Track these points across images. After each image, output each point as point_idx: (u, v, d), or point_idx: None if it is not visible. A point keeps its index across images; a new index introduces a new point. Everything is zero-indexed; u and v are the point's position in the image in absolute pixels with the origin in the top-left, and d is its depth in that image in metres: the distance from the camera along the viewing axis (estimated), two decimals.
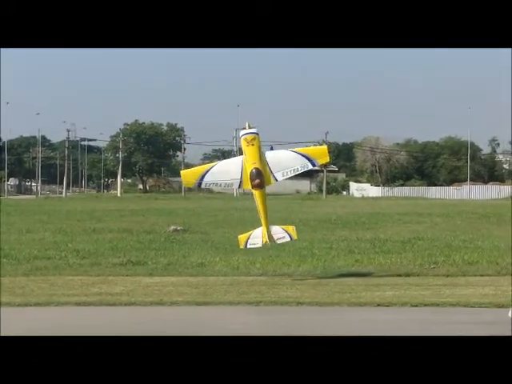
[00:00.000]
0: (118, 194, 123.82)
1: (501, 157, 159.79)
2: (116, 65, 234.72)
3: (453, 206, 63.94)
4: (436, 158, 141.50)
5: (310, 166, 19.51)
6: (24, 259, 22.65)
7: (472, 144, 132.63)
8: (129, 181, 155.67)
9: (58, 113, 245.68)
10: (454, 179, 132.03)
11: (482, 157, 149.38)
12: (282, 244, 26.24)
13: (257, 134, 18.90)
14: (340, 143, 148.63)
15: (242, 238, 19.66)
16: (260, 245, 19.32)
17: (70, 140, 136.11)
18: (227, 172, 19.09)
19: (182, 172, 21.45)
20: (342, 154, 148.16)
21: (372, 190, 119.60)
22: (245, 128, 19.13)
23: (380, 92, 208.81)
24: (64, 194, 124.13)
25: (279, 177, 19.23)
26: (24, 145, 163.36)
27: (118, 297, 16.26)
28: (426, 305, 15.23)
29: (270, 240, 19.12)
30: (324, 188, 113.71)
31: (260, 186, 18.81)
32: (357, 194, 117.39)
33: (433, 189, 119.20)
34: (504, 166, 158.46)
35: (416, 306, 15.13)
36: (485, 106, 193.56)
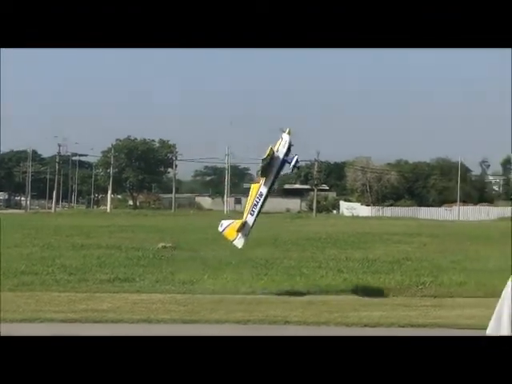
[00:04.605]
0: (108, 210, 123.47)
1: (491, 178, 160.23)
2: (109, 79, 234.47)
3: (442, 227, 63.98)
4: (426, 179, 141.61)
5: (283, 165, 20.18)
6: (11, 274, 22.53)
7: (462, 165, 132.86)
8: (119, 197, 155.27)
9: (51, 127, 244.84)
10: (445, 200, 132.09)
11: (473, 178, 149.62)
12: (271, 262, 26.26)
13: (282, 138, 19.71)
14: (331, 162, 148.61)
15: (230, 232, 19.83)
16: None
17: (61, 155, 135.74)
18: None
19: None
20: (333, 173, 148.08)
21: (362, 210, 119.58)
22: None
23: (372, 112, 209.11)
24: (53, 209, 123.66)
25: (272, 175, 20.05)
26: (15, 159, 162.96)
27: (104, 314, 16.18)
28: (412, 326, 15.19)
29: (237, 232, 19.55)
30: (314, 207, 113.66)
31: (256, 182, 19.80)
32: (347, 213, 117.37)
33: (423, 209, 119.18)
34: (494, 187, 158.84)
35: (403, 326, 15.09)
36: (476, 127, 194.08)
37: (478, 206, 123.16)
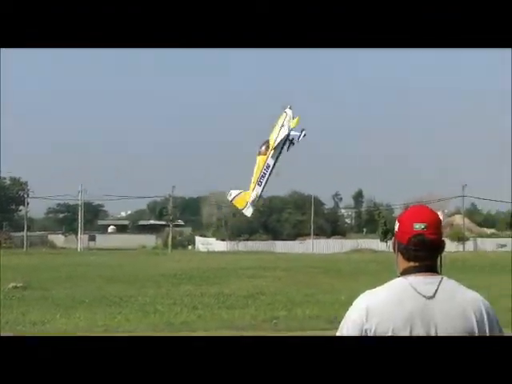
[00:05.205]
0: None
1: (343, 211, 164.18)
2: None
3: (296, 260, 64.95)
4: (281, 213, 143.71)
5: (287, 132, 20.43)
6: None
7: (316, 198, 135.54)
8: None
9: None
10: (299, 233, 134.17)
11: (326, 211, 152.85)
12: (126, 300, 25.93)
13: (286, 113, 19.85)
14: (186, 197, 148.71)
15: (239, 201, 19.83)
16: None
17: None
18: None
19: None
20: (189, 208, 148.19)
21: (218, 245, 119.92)
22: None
23: (225, 146, 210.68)
24: None
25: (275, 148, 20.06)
26: None
27: None
28: None
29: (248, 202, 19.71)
30: (169, 242, 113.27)
31: (263, 154, 19.73)
32: (202, 249, 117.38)
33: (278, 243, 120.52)
34: (346, 220, 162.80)
35: None
36: (329, 161, 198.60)
37: (331, 239, 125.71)
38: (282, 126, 19.83)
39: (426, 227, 4.07)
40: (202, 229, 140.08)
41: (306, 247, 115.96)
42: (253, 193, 19.49)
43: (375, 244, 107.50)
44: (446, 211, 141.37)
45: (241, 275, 42.94)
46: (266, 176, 19.81)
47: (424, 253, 4.05)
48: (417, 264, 4.06)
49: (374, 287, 4.09)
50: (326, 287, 33.33)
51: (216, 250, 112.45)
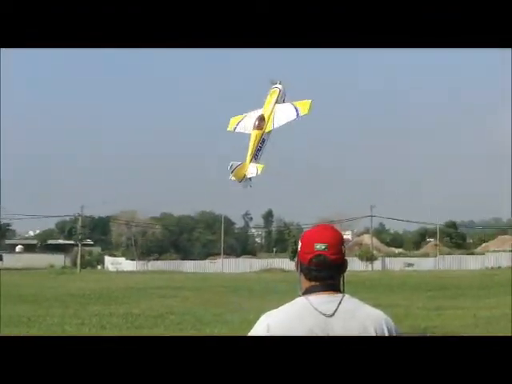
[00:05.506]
0: None
1: (253, 231, 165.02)
2: None
3: (206, 280, 64.84)
4: (191, 232, 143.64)
5: (294, 117, 20.33)
6: None
7: (226, 218, 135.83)
8: None
9: None
10: (209, 253, 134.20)
11: (236, 230, 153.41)
12: (33, 320, 25.47)
13: (278, 89, 20.19)
14: (96, 216, 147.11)
15: (238, 173, 19.74)
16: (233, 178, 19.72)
17: None
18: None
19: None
20: (98, 228, 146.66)
21: (127, 264, 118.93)
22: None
23: (135, 166, 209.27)
24: None
25: (275, 125, 20.10)
26: None
27: None
28: None
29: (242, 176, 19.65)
30: (78, 262, 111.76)
31: (258, 129, 19.75)
32: (112, 269, 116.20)
33: (188, 262, 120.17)
34: (256, 239, 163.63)
35: None
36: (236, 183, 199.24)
37: (241, 258, 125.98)
38: (277, 102, 20.13)
39: (326, 248, 4.08)
40: (111, 248, 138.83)
41: (217, 267, 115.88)
42: (251, 166, 19.67)
43: (285, 263, 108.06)
44: (354, 231, 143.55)
45: (150, 295, 42.69)
46: (262, 150, 20.05)
47: (325, 273, 4.07)
48: (317, 283, 4.09)
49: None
50: (234, 307, 33.34)
51: (125, 269, 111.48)
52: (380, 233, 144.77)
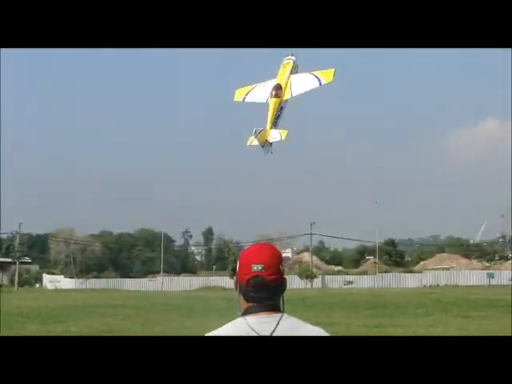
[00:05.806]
0: None
1: (193, 248, 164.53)
2: None
3: (146, 298, 64.46)
4: (131, 250, 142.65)
5: (317, 85, 20.29)
6: None
7: (166, 235, 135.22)
8: None
9: None
10: (149, 270, 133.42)
11: (176, 248, 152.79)
12: None
13: (292, 60, 19.76)
14: (34, 234, 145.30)
15: (261, 138, 19.70)
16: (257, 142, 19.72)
17: None
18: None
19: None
20: (36, 246, 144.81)
21: (66, 282, 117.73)
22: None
23: (72, 184, 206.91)
24: None
25: (293, 94, 20.10)
26: None
27: None
28: None
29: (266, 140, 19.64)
30: (16, 280, 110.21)
31: (276, 97, 19.51)
32: (50, 287, 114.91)
33: (127, 280, 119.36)
34: (196, 257, 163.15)
35: None
36: (178, 198, 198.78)
37: (181, 276, 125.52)
38: (291, 72, 20.29)
39: (263, 268, 4.05)
40: (49, 266, 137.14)
41: (157, 285, 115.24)
42: (272, 131, 19.78)
43: (225, 281, 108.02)
44: (294, 248, 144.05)
45: (89, 313, 42.32)
46: (280, 117, 20.18)
47: (263, 294, 4.05)
48: (255, 304, 4.06)
49: (222, 324, 4.17)
50: (176, 325, 33.25)
51: (64, 287, 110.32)
52: (320, 251, 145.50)
